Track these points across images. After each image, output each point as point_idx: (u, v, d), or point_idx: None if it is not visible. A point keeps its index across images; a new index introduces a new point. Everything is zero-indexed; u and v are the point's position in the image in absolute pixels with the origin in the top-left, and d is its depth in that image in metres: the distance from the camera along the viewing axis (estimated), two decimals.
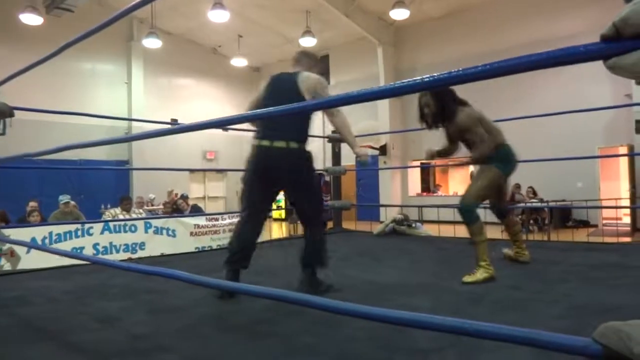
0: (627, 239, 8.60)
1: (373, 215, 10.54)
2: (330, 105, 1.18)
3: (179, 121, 16.25)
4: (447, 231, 6.49)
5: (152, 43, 14.06)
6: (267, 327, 2.06)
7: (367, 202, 14.59)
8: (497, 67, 0.76)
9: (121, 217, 6.98)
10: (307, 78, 2.78)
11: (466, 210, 2.97)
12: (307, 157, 2.79)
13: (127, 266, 2.03)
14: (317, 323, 1.99)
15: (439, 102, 3.03)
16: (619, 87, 10.21)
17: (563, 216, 11.23)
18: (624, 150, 10.75)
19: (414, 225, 5.44)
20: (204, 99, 17.92)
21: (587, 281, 2.83)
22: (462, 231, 6.50)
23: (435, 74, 0.86)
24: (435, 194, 16.14)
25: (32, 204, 7.23)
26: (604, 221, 10.94)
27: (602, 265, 3.23)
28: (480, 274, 2.80)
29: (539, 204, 10.60)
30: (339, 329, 1.92)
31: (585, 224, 11.07)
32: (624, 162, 11.47)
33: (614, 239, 6.93)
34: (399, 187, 15.50)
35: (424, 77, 0.87)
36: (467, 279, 2.77)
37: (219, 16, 12.41)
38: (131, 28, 15.61)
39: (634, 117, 9.42)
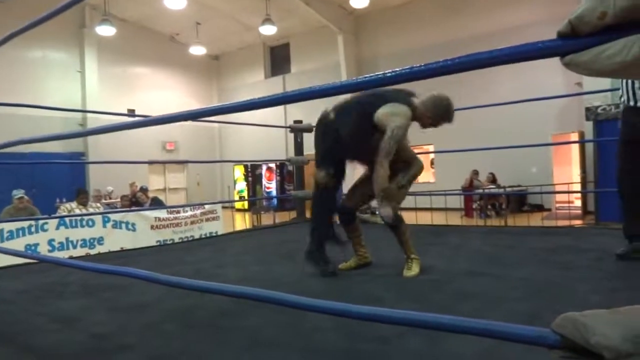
0: (579, 222, 8.99)
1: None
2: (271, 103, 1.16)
3: (136, 111, 15.84)
4: (408, 218, 6.58)
5: (106, 30, 13.59)
6: (232, 321, 2.05)
7: None
8: (458, 62, 0.77)
9: (77, 211, 6.75)
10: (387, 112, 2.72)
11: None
12: None
13: (83, 265, 1.96)
14: (281, 314, 1.99)
15: None
16: (570, 76, 10.59)
17: (519, 201, 11.62)
18: (575, 136, 11.20)
19: (376, 212, 5.49)
20: (162, 89, 17.49)
21: (543, 265, 2.93)
22: (423, 218, 6.63)
23: (397, 69, 0.86)
24: None
25: None
26: (557, 205, 11.40)
27: (556, 249, 3.35)
28: (416, 266, 2.81)
29: (495, 190, 10.92)
30: (303, 319, 1.92)
31: (539, 208, 11.50)
32: (575, 148, 11.95)
33: (566, 222, 7.22)
34: (360, 175, 15.62)
35: (385, 72, 0.86)
36: (408, 273, 2.77)
37: (175, 3, 12.10)
38: (83, 15, 15.01)
39: (584, 105, 9.80)
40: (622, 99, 2.92)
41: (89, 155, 14.62)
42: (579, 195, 11.47)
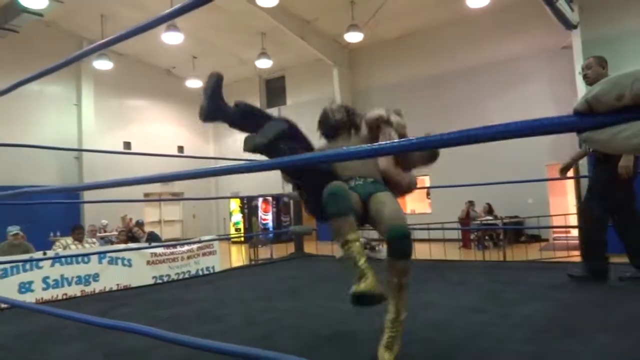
0: (577, 253, 8.97)
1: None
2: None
3: (132, 144, 15.89)
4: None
5: (103, 65, 13.75)
6: None
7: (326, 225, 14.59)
8: (474, 134, 0.78)
9: (73, 247, 6.68)
10: None
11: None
12: None
13: (71, 316, 1.92)
14: None
15: None
16: (563, 108, 10.77)
17: (516, 232, 11.63)
18: None
19: (377, 248, 5.48)
20: (158, 121, 17.59)
21: (546, 302, 2.92)
22: (421, 250, 6.61)
23: (402, 140, 0.87)
24: None
25: None
26: (555, 235, 11.40)
27: (557, 285, 3.34)
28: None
29: (492, 222, 10.93)
30: None
31: (537, 238, 11.50)
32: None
33: (564, 253, 7.21)
34: None
35: (392, 142, 0.87)
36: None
37: (172, 38, 12.29)
38: (81, 49, 15.18)
39: (577, 136, 9.90)
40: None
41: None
42: (576, 223, 11.48)
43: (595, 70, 3.23)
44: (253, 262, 7.23)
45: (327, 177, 2.12)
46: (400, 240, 1.96)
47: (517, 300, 3.02)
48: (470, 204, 12.06)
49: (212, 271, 6.42)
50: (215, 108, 2.15)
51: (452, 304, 2.97)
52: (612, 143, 0.64)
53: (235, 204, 17.67)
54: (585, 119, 0.66)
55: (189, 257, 6.83)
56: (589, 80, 3.30)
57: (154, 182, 1.71)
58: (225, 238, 14.55)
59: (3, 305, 3.46)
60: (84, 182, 14.52)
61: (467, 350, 2.07)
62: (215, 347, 1.53)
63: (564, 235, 10.82)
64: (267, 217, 16.98)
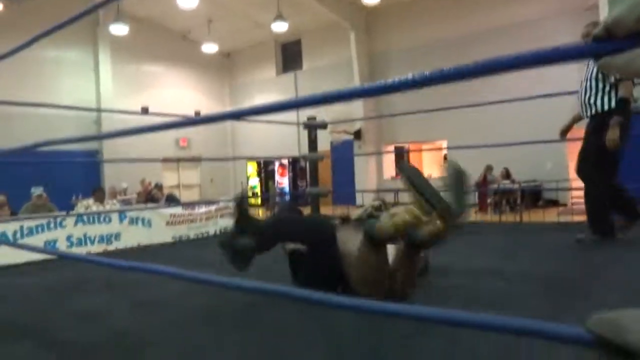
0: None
1: (349, 200, 10.61)
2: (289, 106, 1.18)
3: (149, 109, 15.95)
4: None
5: (119, 29, 13.68)
6: (254, 317, 2.07)
7: (343, 186, 14.66)
8: (488, 65, 0.77)
9: (94, 208, 6.85)
10: None
11: None
12: None
13: (107, 262, 2.00)
14: (305, 309, 2.01)
15: None
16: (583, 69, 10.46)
17: (534, 196, 11.53)
18: None
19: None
20: (175, 86, 17.60)
21: (560, 262, 2.93)
22: None
23: (416, 75, 0.86)
24: None
25: (0, 197, 7.01)
26: (573, 200, 11.28)
27: (573, 245, 3.34)
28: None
29: (510, 186, 10.85)
30: (327, 314, 1.94)
31: (555, 203, 11.39)
32: None
33: (583, 218, 7.14)
34: (374, 171, 15.61)
35: (402, 78, 0.87)
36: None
37: (187, 1, 12.16)
38: (97, 13, 15.11)
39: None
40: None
41: (104, 152, 14.77)
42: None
43: None
44: None
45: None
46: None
47: (532, 260, 3.04)
48: (488, 168, 11.95)
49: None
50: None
51: (466, 264, 3.00)
52: (629, 67, 0.63)
53: (252, 168, 17.79)
54: (603, 45, 0.65)
55: (207, 219, 6.95)
56: None
57: (170, 128, 1.73)
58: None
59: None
60: (102, 146, 14.74)
61: (478, 310, 2.10)
62: (242, 285, 1.52)
63: (583, 199, 10.67)
64: (283, 181, 17.09)
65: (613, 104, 3.06)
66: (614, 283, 2.38)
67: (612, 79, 3.02)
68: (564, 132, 3.68)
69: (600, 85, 3.16)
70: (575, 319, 0.78)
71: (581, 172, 3.41)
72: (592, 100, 3.21)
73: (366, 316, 1.78)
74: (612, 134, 3.02)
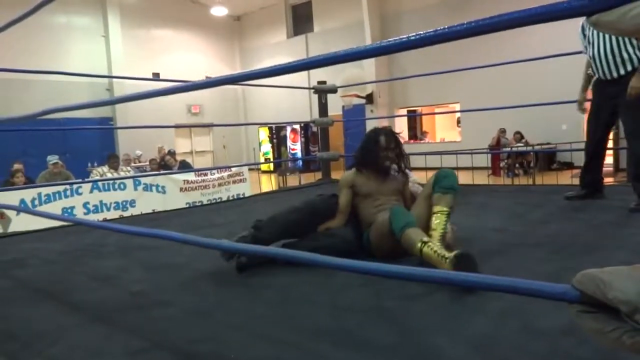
0: (610, 179, 8.79)
1: None
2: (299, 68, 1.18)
3: (160, 74, 15.93)
4: None
5: None
6: (263, 279, 2.13)
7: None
8: (478, 25, 0.77)
9: (109, 175, 6.96)
10: None
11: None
12: None
13: (122, 229, 2.05)
14: (312, 272, 2.06)
15: None
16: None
17: (548, 159, 11.40)
18: None
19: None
20: (186, 51, 17.49)
21: (570, 222, 2.93)
22: (465, 179, 6.61)
23: (422, 33, 0.86)
24: (422, 141, 16.22)
25: (17, 165, 7.16)
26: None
27: (584, 206, 3.32)
28: None
29: (523, 149, 10.73)
30: (333, 277, 1.99)
31: (569, 165, 11.25)
32: None
33: None
34: None
35: (410, 35, 0.87)
36: None
37: None
38: None
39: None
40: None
41: (117, 119, 14.88)
42: (610, 151, 11.17)
43: None
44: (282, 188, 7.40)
45: None
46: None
47: (541, 220, 3.04)
48: (502, 131, 11.81)
49: (242, 197, 6.61)
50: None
51: (475, 224, 3.01)
52: (620, 23, 0.62)
53: (264, 134, 17.80)
54: (594, 1, 0.64)
55: (219, 185, 7.04)
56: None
57: (176, 92, 1.74)
58: (255, 165, 14.79)
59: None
60: (115, 114, 14.82)
61: (484, 269, 2.12)
62: (248, 249, 1.56)
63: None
64: (295, 146, 17.10)
65: None
66: (623, 241, 2.39)
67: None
68: (582, 105, 3.56)
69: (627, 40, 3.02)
70: (572, 276, 0.80)
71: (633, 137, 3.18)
72: (624, 57, 3.03)
73: (371, 278, 1.82)
74: (637, 82, 2.86)
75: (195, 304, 1.90)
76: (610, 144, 11.00)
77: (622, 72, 3.09)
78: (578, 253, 2.25)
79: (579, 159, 12.20)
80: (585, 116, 3.60)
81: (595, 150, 3.48)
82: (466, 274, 0.85)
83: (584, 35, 3.37)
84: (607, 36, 3.11)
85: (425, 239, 2.04)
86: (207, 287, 2.10)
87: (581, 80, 3.63)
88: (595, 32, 3.21)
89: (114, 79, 14.42)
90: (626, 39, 2.97)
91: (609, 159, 11.33)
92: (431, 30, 0.85)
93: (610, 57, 3.13)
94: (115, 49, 15.25)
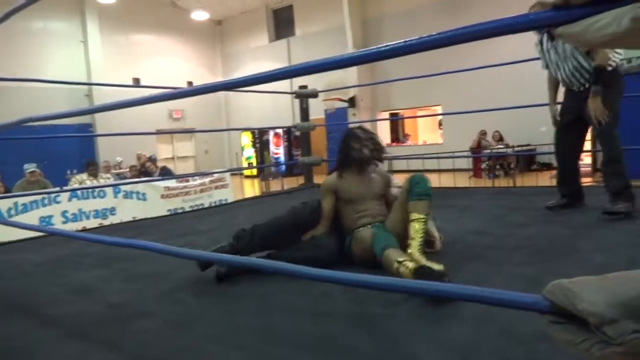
0: (588, 180, 8.94)
1: None
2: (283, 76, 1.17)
3: (141, 80, 15.77)
4: (432, 180, 6.61)
5: None
6: (244, 289, 2.11)
7: None
8: (447, 36, 0.77)
9: (88, 183, 6.85)
10: None
11: None
12: None
13: (99, 239, 2.02)
14: (292, 280, 2.05)
15: None
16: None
17: (528, 160, 11.56)
18: None
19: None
20: (166, 56, 17.34)
21: (549, 224, 2.96)
22: (431, 181, 6.66)
23: (400, 42, 0.86)
24: (405, 144, 16.32)
25: None
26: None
27: (563, 208, 3.37)
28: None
29: (504, 151, 10.86)
30: (313, 285, 1.98)
31: (548, 166, 11.43)
32: None
33: None
34: None
35: (389, 44, 0.87)
36: None
37: None
38: None
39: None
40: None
41: (97, 126, 14.66)
42: (588, 152, 11.37)
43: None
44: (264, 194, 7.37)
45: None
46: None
47: (521, 223, 3.07)
48: (482, 133, 11.94)
49: (225, 203, 6.56)
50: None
51: (457, 228, 3.03)
52: (586, 36, 0.63)
53: (247, 139, 17.73)
54: (560, 13, 0.64)
55: (202, 191, 6.98)
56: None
57: (163, 100, 1.73)
58: (237, 170, 14.70)
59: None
60: (95, 120, 14.61)
61: (463, 273, 2.14)
62: (230, 260, 1.55)
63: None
64: (278, 151, 17.05)
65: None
66: (600, 242, 2.42)
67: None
68: (556, 120, 3.50)
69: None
70: (552, 278, 0.80)
71: (602, 137, 3.15)
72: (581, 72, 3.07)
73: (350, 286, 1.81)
74: (594, 103, 2.92)
75: (176, 315, 1.88)
76: (588, 145, 11.20)
77: (586, 85, 3.07)
78: (557, 256, 2.28)
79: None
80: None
81: (570, 160, 3.42)
82: (439, 283, 0.85)
83: (542, 50, 3.31)
84: (563, 49, 3.10)
85: (401, 258, 2.05)
86: (187, 297, 2.07)
87: (547, 95, 3.61)
88: (549, 46, 3.20)
89: (94, 85, 14.23)
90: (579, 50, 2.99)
91: (587, 159, 11.54)
92: (401, 40, 0.85)
93: (571, 69, 3.11)
94: (94, 55, 15.04)
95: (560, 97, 3.49)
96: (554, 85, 3.52)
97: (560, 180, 3.47)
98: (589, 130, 3.36)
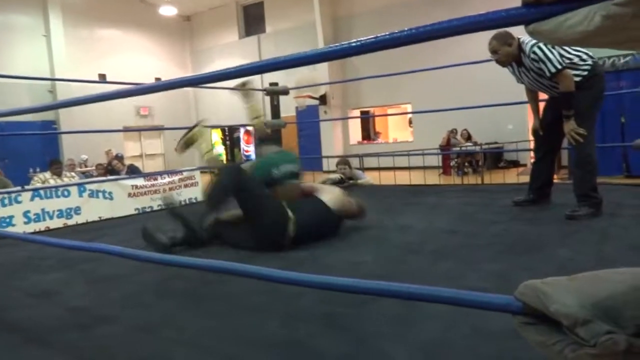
0: (554, 176, 9.20)
1: (315, 165, 10.62)
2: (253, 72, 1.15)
3: (107, 76, 15.37)
4: (387, 177, 6.66)
5: None
6: (212, 289, 2.06)
7: (310, 152, 14.64)
8: (422, 31, 0.75)
9: (52, 182, 6.63)
10: None
11: None
12: None
13: (54, 242, 1.94)
14: (261, 282, 2.00)
15: None
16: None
17: (495, 158, 11.79)
18: None
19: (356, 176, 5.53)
20: (133, 52, 16.95)
21: (516, 221, 3.01)
22: (401, 178, 6.71)
23: (363, 39, 0.84)
24: (375, 142, 16.41)
25: None
26: (532, 160, 11.60)
27: (529, 206, 3.43)
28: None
29: (472, 148, 11.04)
30: (283, 285, 1.94)
31: (515, 164, 11.70)
32: None
33: None
34: (340, 136, 15.60)
35: (358, 40, 0.85)
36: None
37: None
38: None
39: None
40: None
41: (61, 123, 14.22)
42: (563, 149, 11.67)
43: (504, 52, 3.03)
44: None
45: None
46: None
47: (489, 220, 3.11)
48: (452, 131, 12.11)
49: (194, 202, 6.45)
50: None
51: (427, 226, 3.06)
52: (557, 33, 0.62)
53: (217, 136, 17.50)
54: (532, 10, 0.63)
55: (170, 189, 6.83)
56: (504, 64, 3.17)
57: (130, 95, 1.67)
58: (207, 168, 14.45)
59: None
60: (59, 116, 14.17)
61: (435, 271, 2.15)
62: (196, 264, 1.52)
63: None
64: (249, 148, 16.90)
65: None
66: (566, 239, 2.47)
67: (547, 73, 2.93)
68: (537, 128, 3.48)
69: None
70: (520, 275, 0.80)
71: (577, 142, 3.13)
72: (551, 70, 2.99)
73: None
74: (568, 127, 2.94)
75: (140, 319, 1.81)
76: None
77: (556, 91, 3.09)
78: (525, 252, 2.32)
79: (524, 157, 12.71)
80: (530, 120, 3.61)
81: (545, 158, 3.47)
82: (410, 285, 0.83)
83: (514, 72, 3.31)
84: (531, 75, 3.13)
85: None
86: (153, 299, 2.01)
87: (520, 98, 3.65)
88: (518, 71, 3.22)
89: (58, 81, 13.78)
90: (532, 56, 3.02)
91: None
92: (371, 36, 0.83)
93: (545, 85, 3.12)
94: (57, 49, 14.56)
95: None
96: (533, 98, 3.54)
97: (533, 175, 3.53)
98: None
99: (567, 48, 2.97)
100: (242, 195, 2.72)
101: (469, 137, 12.02)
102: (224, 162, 3.10)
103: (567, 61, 2.96)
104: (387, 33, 0.80)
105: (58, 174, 6.83)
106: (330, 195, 2.90)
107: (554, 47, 2.91)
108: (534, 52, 2.96)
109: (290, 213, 2.66)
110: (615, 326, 0.60)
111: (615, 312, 0.61)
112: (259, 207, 2.71)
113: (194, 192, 7.05)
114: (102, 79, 15.20)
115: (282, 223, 2.63)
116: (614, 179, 7.79)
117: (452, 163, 11.50)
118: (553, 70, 2.91)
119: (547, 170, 3.53)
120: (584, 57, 3.03)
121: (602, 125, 9.23)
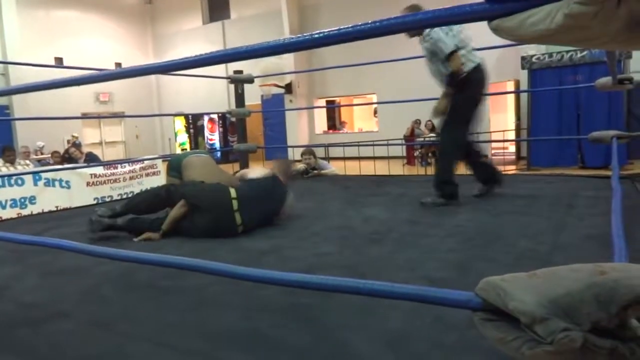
0: (513, 167, 9.45)
1: (281, 155, 10.55)
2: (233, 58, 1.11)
3: (64, 60, 14.81)
4: (352, 167, 6.69)
5: None
6: (173, 282, 2.01)
7: (275, 141, 14.55)
8: (387, 24, 0.74)
9: (4, 169, 6.36)
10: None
11: None
12: None
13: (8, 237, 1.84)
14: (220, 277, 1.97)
15: None
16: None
17: None
18: (511, 85, 11.56)
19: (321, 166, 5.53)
20: (93, 35, 16.37)
21: (477, 212, 3.07)
22: (367, 168, 6.75)
23: (326, 31, 0.82)
24: (341, 131, 16.45)
25: None
26: (493, 151, 11.90)
27: (489, 196, 3.51)
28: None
29: (436, 139, 11.21)
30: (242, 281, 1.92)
31: None
32: (511, 96, 12.38)
33: (501, 168, 7.54)
34: (305, 126, 15.56)
35: (321, 31, 0.83)
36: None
37: None
38: None
39: (520, 54, 10.08)
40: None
41: (14, 108, 13.59)
42: (512, 141, 11.99)
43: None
44: None
45: None
46: None
47: (450, 211, 3.17)
48: (416, 122, 12.25)
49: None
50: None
51: (391, 216, 3.08)
52: (519, 31, 0.62)
53: (180, 124, 17.16)
54: (496, 6, 0.63)
55: (131, 178, 6.67)
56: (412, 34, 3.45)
57: (88, 82, 1.59)
58: (169, 157, 14.18)
59: None
60: (12, 102, 13.57)
61: (396, 261, 2.17)
62: (150, 259, 1.48)
63: (502, 150, 11.32)
64: (213, 137, 16.66)
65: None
66: (525, 229, 2.54)
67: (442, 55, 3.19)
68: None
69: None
70: (479, 265, 0.80)
71: (442, 132, 3.50)
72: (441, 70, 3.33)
73: None
74: (440, 101, 3.26)
75: (97, 314, 1.76)
76: (512, 135, 11.79)
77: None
78: (485, 242, 2.37)
79: (485, 148, 12.97)
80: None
81: (467, 150, 3.53)
82: (372, 282, 0.83)
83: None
84: (427, 52, 3.37)
85: None
86: (111, 293, 1.95)
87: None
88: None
89: (11, 65, 13.16)
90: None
91: (511, 148, 12.19)
92: (335, 28, 0.81)
93: (433, 71, 3.43)
94: (9, 31, 13.85)
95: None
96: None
97: (473, 170, 3.62)
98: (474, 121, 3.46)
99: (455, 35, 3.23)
100: (179, 196, 2.88)
101: (432, 128, 12.19)
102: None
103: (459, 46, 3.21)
104: (350, 25, 0.79)
105: (11, 161, 6.56)
106: (258, 170, 3.28)
107: (447, 33, 3.19)
108: (430, 36, 3.24)
109: (229, 188, 2.87)
110: (572, 323, 0.61)
111: (572, 310, 0.62)
112: (199, 192, 2.88)
113: (156, 180, 6.90)
114: (59, 62, 14.64)
115: (223, 195, 2.80)
116: (569, 170, 8.09)
117: (416, 153, 11.65)
118: (447, 52, 3.17)
119: (478, 159, 3.61)
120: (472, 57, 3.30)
121: (559, 117, 9.56)
